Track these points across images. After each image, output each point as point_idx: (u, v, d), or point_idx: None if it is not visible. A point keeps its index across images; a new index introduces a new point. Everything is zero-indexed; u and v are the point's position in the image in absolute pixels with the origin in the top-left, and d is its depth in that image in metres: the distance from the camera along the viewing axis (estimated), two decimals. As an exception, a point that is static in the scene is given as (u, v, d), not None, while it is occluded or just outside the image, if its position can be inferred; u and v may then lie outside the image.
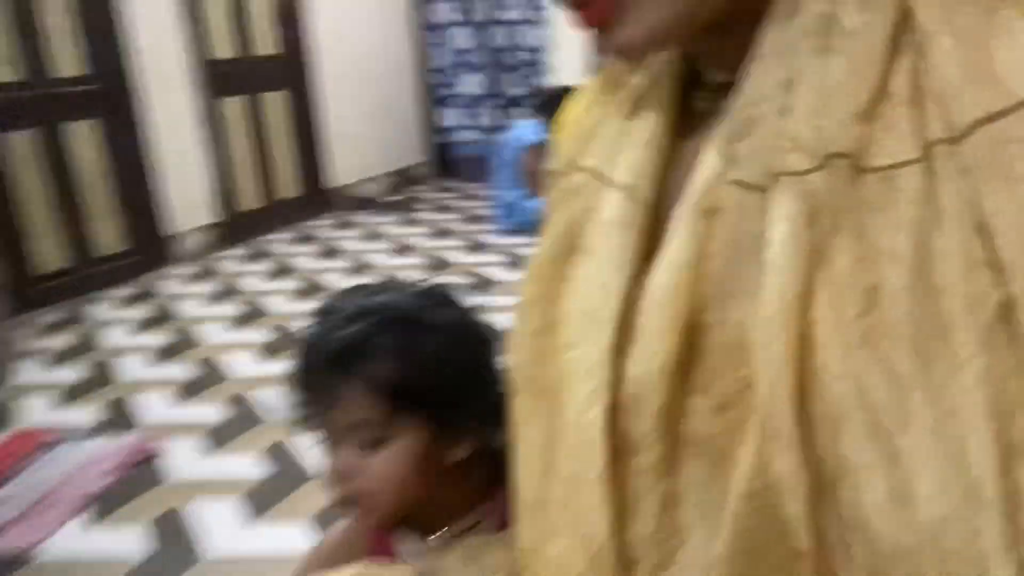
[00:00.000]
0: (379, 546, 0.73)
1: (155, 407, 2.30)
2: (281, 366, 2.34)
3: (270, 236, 4.17)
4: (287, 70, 4.30)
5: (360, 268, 3.55)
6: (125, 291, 3.38)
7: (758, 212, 0.35)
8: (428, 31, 5.17)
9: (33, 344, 2.85)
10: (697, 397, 0.38)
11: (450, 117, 5.26)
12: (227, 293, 3.30)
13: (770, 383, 0.33)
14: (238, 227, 4.05)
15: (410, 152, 5.28)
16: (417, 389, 0.64)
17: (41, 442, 2.10)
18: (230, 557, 1.60)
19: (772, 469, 0.33)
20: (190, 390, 2.39)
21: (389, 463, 0.64)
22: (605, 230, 0.43)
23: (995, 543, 0.28)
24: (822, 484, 0.33)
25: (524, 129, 3.80)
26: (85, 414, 2.28)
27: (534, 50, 4.81)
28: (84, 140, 3.33)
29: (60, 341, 2.86)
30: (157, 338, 2.83)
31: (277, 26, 4.22)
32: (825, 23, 0.34)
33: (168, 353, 2.69)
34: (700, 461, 0.38)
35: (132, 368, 2.59)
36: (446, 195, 4.99)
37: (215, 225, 3.93)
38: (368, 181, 4.91)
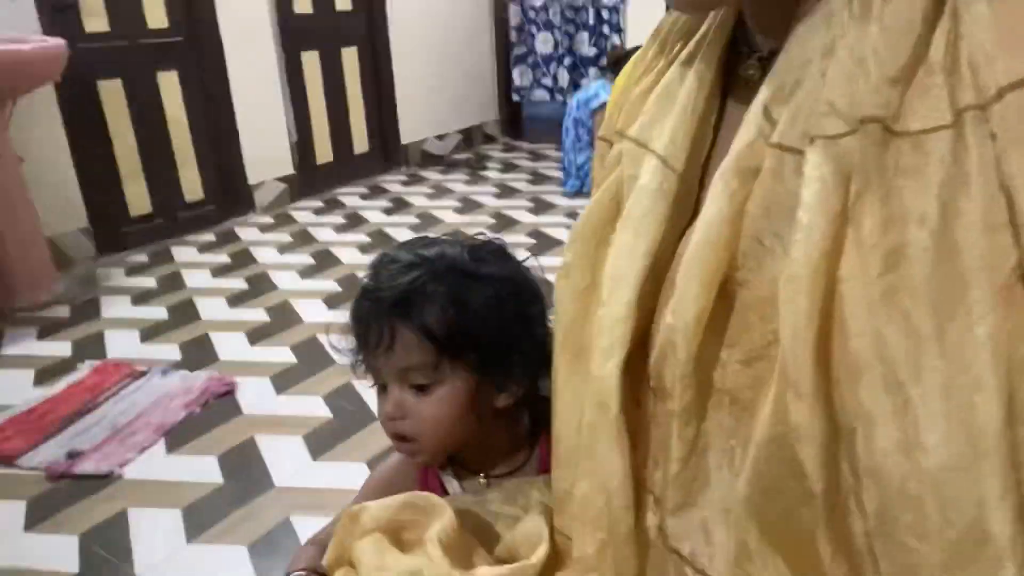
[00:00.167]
0: (427, 483, 0.77)
1: (231, 347, 2.43)
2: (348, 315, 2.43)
3: (342, 189, 4.28)
4: (363, 25, 4.35)
5: (426, 224, 3.61)
6: (207, 236, 3.54)
7: (794, 173, 0.37)
8: (503, -12, 5.12)
9: (122, 282, 3.04)
10: (728, 349, 0.40)
11: (522, 76, 5.23)
12: (300, 242, 3.41)
13: (792, 336, 0.35)
14: (312, 179, 4.17)
15: (481, 110, 5.28)
16: (467, 337, 0.66)
17: (128, 373, 2.25)
18: (296, 487, 1.71)
19: (790, 417, 0.35)
20: (263, 333, 2.51)
21: (438, 407, 0.67)
22: (639, 197, 0.44)
23: (993, 491, 0.30)
24: (838, 432, 0.34)
25: (595, 90, 3.76)
26: (167, 350, 2.43)
27: (609, 9, 4.71)
28: (170, 90, 3.46)
29: (146, 281, 3.03)
30: (235, 282, 2.97)
31: (355, -19, 4.26)
32: None
33: (244, 297, 2.82)
34: (727, 409, 0.40)
35: (211, 309, 2.73)
36: (514, 154, 5.00)
37: (291, 177, 4.05)
38: (438, 138, 4.95)
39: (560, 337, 0.51)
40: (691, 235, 0.41)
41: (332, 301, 2.74)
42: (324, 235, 3.51)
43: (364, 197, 4.14)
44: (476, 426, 0.69)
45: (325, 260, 3.18)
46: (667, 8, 0.51)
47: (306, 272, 3.05)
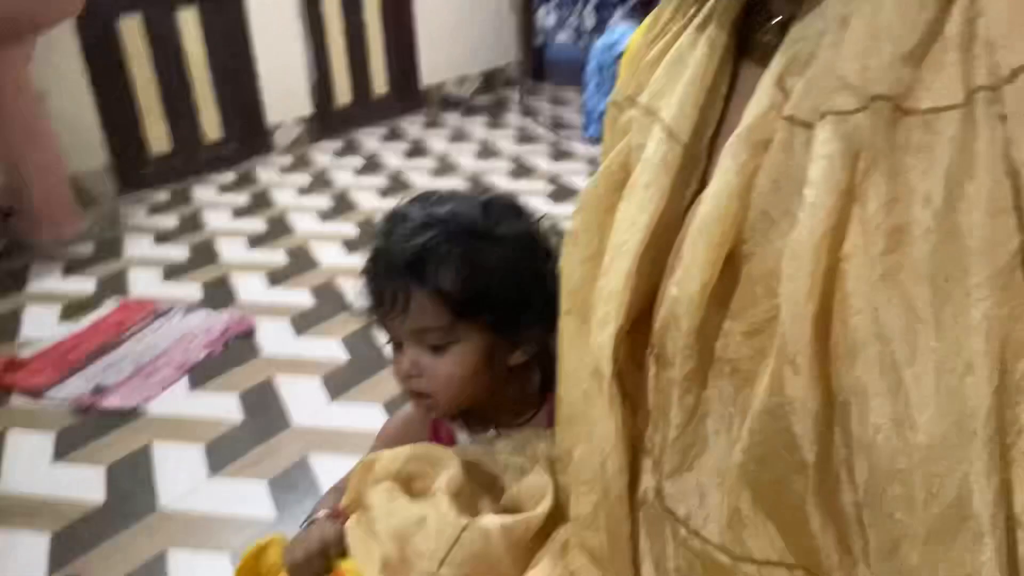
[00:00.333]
0: (438, 432, 0.79)
1: (251, 288, 2.47)
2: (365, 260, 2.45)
3: (361, 131, 4.25)
4: (385, -38, 4.25)
5: (445, 169, 3.59)
6: (227, 177, 3.56)
7: (804, 147, 0.37)
8: (529, -75, 4.97)
9: (144, 221, 3.07)
10: (731, 320, 0.40)
11: (546, 17, 5.10)
12: (319, 185, 3.42)
13: (792, 312, 0.35)
14: (332, 121, 4.14)
15: (503, 53, 5.18)
16: (481, 299, 0.66)
17: (151, 311, 2.30)
18: (314, 427, 1.76)
19: (786, 390, 0.36)
20: (282, 275, 2.54)
21: (452, 366, 0.68)
22: (644, 167, 0.44)
23: (978, 471, 0.30)
24: (833, 405, 0.35)
25: (619, 34, 3.67)
26: (189, 289, 2.47)
27: (638, -51, 4.55)
28: (189, 28, 3.43)
29: (167, 220, 3.07)
30: (254, 224, 2.99)
31: (377, -85, 4.14)
32: None
33: (264, 239, 2.85)
34: (727, 379, 0.41)
35: (231, 250, 2.76)
36: (536, 98, 4.92)
37: (310, 118, 4.03)
38: (459, 81, 4.88)
39: (565, 302, 0.52)
40: (699, 206, 0.42)
41: (350, 245, 2.76)
42: (342, 178, 3.51)
43: (383, 140, 4.12)
44: (490, 382, 0.71)
45: (343, 203, 3.19)
46: None
47: (325, 215, 3.07)
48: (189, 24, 3.43)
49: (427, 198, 0.73)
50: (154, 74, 3.34)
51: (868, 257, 0.33)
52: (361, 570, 0.64)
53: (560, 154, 3.74)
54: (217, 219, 3.07)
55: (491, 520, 0.59)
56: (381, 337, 0.72)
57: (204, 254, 2.74)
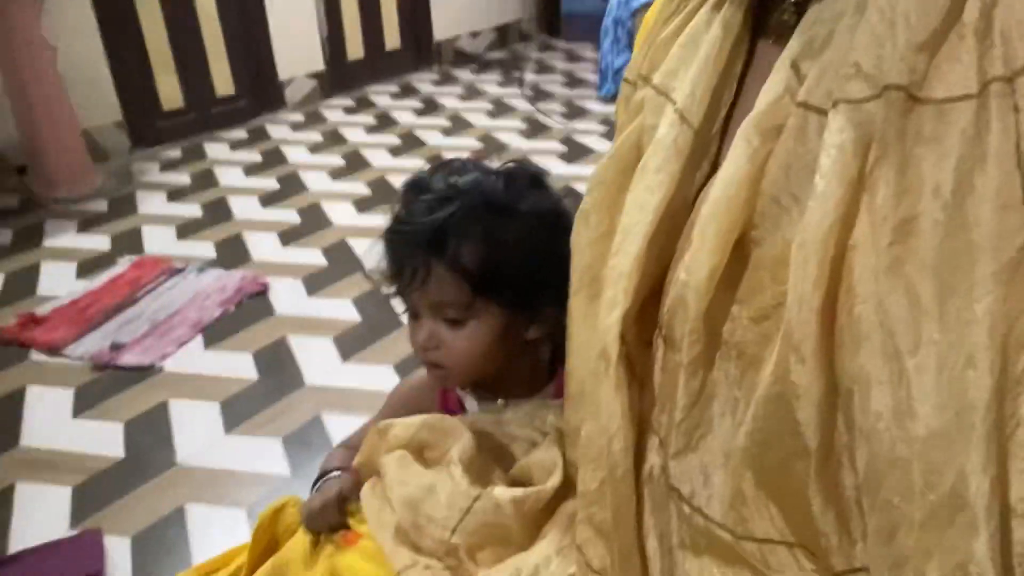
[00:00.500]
0: (447, 400, 0.80)
1: (264, 246, 2.48)
2: (378, 219, 2.45)
3: (373, 87, 4.21)
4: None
5: (457, 127, 3.56)
6: (239, 133, 3.54)
7: (816, 134, 0.36)
8: None
9: (157, 178, 3.08)
10: (739, 305, 0.41)
11: (561, -30, 4.99)
12: (331, 142, 3.40)
13: (798, 301, 0.35)
14: (344, 76, 4.10)
15: (516, 6, 5.09)
16: (500, 275, 0.66)
17: (166, 269, 2.32)
18: (327, 386, 1.78)
19: (790, 377, 0.36)
20: (295, 234, 2.55)
21: (469, 341, 0.68)
22: (655, 149, 0.44)
23: (975, 463, 0.31)
24: (836, 392, 0.36)
25: (637, -12, 3.59)
26: (202, 247, 2.49)
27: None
28: (200, -20, 3.39)
29: (180, 177, 3.07)
30: (266, 182, 2.99)
31: None
32: None
33: (276, 197, 2.85)
34: (734, 363, 0.41)
35: (244, 208, 2.77)
36: (550, 54, 4.84)
37: (322, 73, 3.99)
38: (472, 36, 4.80)
39: (576, 280, 0.52)
40: (709, 190, 0.42)
41: (362, 204, 2.76)
42: (354, 135, 3.49)
43: (395, 96, 4.08)
44: (504, 356, 0.72)
45: (355, 162, 3.17)
46: None
47: (336, 173, 3.06)
48: (199, -23, 3.38)
49: (450, 167, 0.72)
50: (166, 29, 3.31)
51: (875, 248, 0.33)
52: (375, 536, 0.66)
53: (575, 112, 3.69)
54: (229, 176, 3.06)
55: (502, 491, 0.60)
56: (395, 303, 0.72)
57: (217, 212, 2.75)
